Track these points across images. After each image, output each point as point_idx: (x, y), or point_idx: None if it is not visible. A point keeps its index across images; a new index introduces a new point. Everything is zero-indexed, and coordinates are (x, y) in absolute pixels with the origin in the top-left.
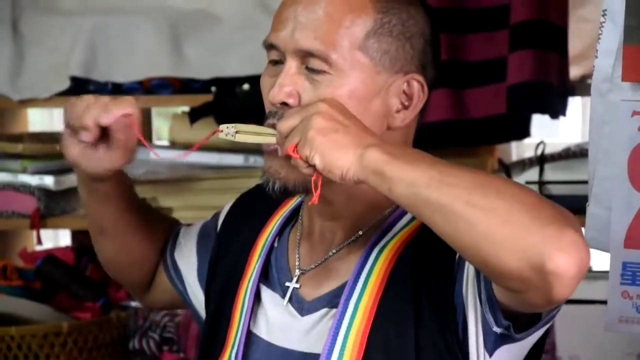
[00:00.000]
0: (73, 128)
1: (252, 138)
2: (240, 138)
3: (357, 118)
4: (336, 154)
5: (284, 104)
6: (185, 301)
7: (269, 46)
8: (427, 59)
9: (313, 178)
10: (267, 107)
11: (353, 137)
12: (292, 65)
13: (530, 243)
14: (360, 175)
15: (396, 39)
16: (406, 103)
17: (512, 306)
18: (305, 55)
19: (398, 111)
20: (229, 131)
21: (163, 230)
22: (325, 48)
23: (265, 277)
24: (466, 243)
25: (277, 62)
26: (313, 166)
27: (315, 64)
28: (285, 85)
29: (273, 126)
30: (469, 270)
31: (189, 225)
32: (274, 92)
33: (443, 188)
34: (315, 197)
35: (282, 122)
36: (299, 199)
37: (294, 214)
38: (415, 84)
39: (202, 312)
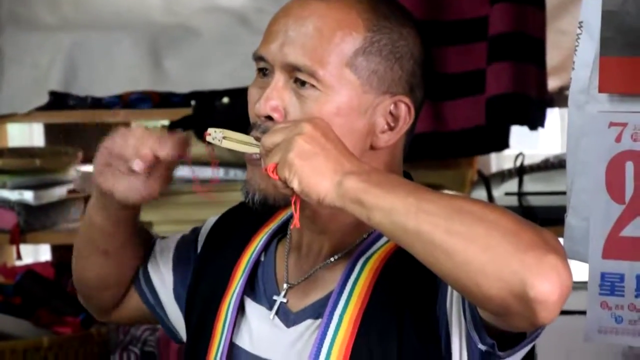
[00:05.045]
0: (121, 157)
1: (238, 146)
2: (227, 144)
3: (340, 140)
4: (314, 179)
5: (269, 117)
6: (156, 315)
7: (258, 58)
8: (416, 80)
9: (292, 199)
10: (252, 119)
11: (332, 163)
12: (279, 79)
13: (511, 270)
14: (337, 202)
15: (385, 58)
16: (392, 124)
17: (496, 326)
18: (293, 70)
19: (383, 132)
20: (216, 135)
21: (146, 247)
22: (312, 64)
23: (251, 290)
24: (446, 271)
25: (266, 74)
26: (292, 188)
27: (302, 79)
28: (271, 99)
29: (257, 138)
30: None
31: (163, 238)
32: (260, 105)
33: (421, 216)
34: (295, 221)
35: (266, 137)
36: (288, 213)
37: (282, 228)
38: (402, 106)
39: (177, 326)
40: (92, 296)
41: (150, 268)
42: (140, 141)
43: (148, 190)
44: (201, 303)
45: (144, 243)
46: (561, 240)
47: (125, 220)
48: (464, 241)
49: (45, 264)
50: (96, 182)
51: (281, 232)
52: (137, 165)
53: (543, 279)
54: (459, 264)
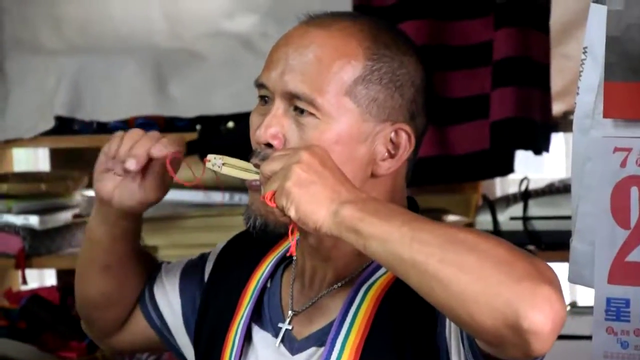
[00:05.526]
0: (117, 159)
1: (237, 173)
2: (226, 171)
3: (338, 168)
4: (310, 207)
5: (269, 144)
6: (163, 338)
7: (260, 85)
8: (417, 108)
9: (289, 227)
10: (253, 145)
11: (329, 192)
12: (280, 106)
13: (504, 301)
14: (333, 231)
15: (385, 87)
16: (393, 152)
17: (494, 355)
18: (292, 98)
19: (383, 159)
20: (215, 162)
21: (148, 267)
22: (311, 92)
23: (257, 317)
24: (440, 300)
25: (267, 101)
26: (289, 216)
27: (302, 107)
28: (270, 127)
29: (257, 165)
30: None
31: (169, 262)
32: (260, 133)
33: (415, 245)
34: (292, 248)
35: (265, 165)
36: (294, 240)
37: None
38: (402, 134)
39: (185, 350)
40: (95, 318)
41: (157, 291)
42: (135, 141)
43: (145, 194)
44: (209, 330)
45: (146, 262)
46: (566, 265)
47: (125, 233)
48: (457, 271)
49: (51, 288)
50: (95, 189)
51: (288, 258)
52: (131, 164)
53: (536, 310)
54: (453, 293)
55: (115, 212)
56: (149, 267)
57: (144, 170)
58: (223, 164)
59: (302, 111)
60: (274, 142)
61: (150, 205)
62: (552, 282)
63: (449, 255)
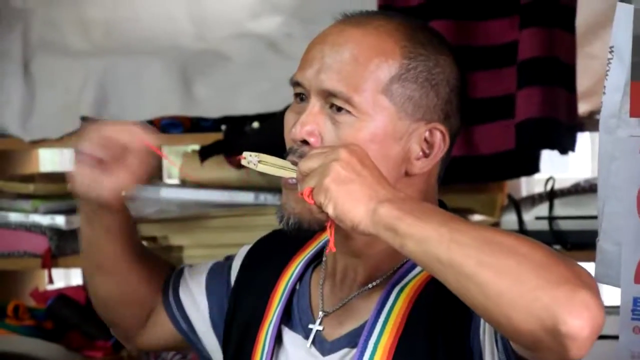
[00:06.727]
0: (87, 149)
1: (273, 170)
2: (262, 168)
3: (376, 167)
4: (348, 205)
5: (305, 142)
6: (189, 341)
7: (295, 83)
8: (451, 108)
9: (327, 224)
10: (288, 144)
11: (368, 190)
12: (315, 104)
13: (542, 305)
14: (371, 229)
15: (421, 85)
16: (427, 151)
17: (529, 358)
18: (328, 96)
19: (418, 158)
20: (251, 159)
21: (161, 270)
22: (348, 90)
23: (287, 319)
24: (477, 303)
25: (302, 99)
26: (326, 213)
27: (338, 105)
28: (306, 124)
29: (294, 163)
30: None
31: (191, 266)
32: (296, 130)
33: (453, 246)
34: (330, 245)
35: (303, 162)
36: (322, 241)
37: (317, 256)
38: (437, 133)
39: (212, 353)
40: (111, 319)
41: (182, 293)
42: (107, 129)
43: (118, 185)
44: (238, 332)
45: (150, 263)
46: (592, 264)
47: (110, 230)
48: (495, 274)
49: (77, 288)
50: (72, 188)
51: (315, 260)
52: (84, 145)
53: (574, 315)
54: (490, 296)
55: (95, 209)
56: (156, 270)
57: (116, 161)
58: (259, 162)
59: (338, 109)
60: (311, 140)
61: (126, 197)
62: (591, 286)
63: (486, 257)
